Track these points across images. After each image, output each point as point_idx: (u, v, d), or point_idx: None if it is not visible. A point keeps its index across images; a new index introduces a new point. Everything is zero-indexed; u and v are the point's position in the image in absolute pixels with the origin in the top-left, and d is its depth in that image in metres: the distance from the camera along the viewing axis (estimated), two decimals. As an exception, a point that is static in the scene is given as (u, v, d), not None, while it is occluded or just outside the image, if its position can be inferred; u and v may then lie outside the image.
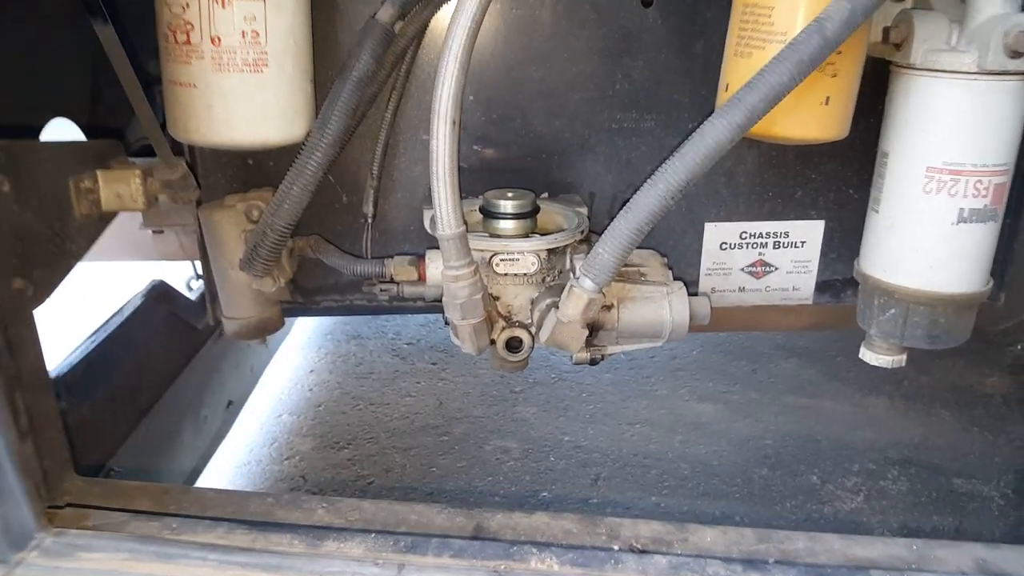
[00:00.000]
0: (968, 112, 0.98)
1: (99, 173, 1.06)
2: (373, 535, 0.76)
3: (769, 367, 2.32)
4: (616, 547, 0.79)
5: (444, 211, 0.86)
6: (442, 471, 1.87)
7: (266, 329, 1.16)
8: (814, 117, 0.98)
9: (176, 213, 1.51)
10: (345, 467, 1.89)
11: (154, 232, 1.73)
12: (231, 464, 1.91)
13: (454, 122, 0.83)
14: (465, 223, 0.89)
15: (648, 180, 0.89)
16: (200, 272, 1.36)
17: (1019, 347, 2.45)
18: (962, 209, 1.01)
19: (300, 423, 2.07)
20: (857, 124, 1.10)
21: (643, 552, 0.76)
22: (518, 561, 0.74)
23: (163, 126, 1.07)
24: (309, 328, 2.52)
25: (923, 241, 1.04)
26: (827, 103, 0.96)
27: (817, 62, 0.83)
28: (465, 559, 0.73)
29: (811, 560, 0.86)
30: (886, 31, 1.02)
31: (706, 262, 1.27)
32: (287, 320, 2.35)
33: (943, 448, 1.94)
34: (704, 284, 1.28)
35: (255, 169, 1.17)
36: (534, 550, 0.75)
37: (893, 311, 1.08)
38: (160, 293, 1.64)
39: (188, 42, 0.94)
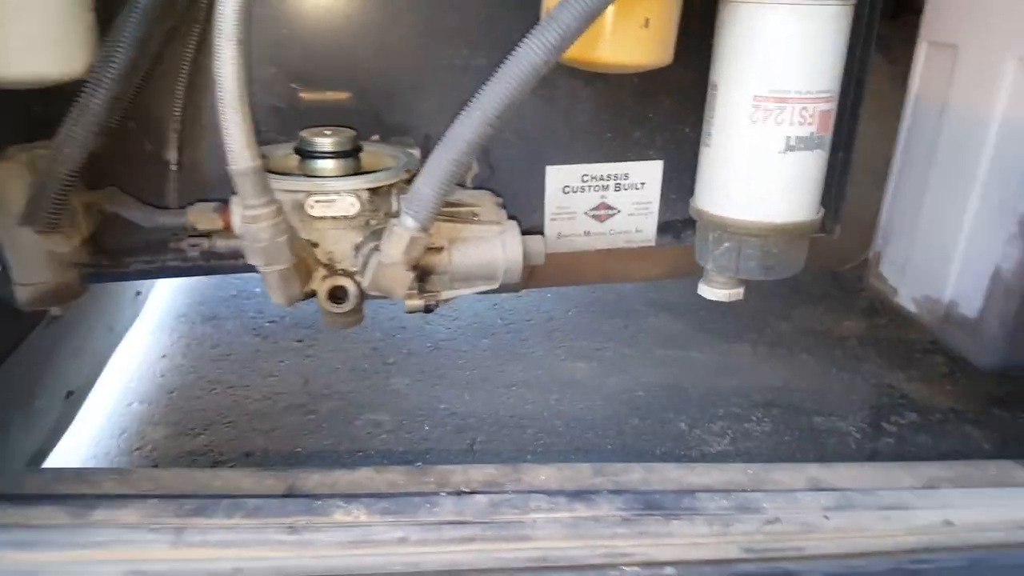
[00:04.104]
0: (792, 38, 0.98)
1: None
2: (154, 500, 0.68)
3: (640, 322, 2.34)
4: (438, 492, 0.75)
5: (235, 142, 0.78)
6: (307, 451, 1.78)
7: (64, 296, 1.04)
8: (635, 40, 0.95)
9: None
10: (202, 453, 1.78)
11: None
12: (75, 458, 1.75)
13: (240, 41, 0.75)
14: (264, 156, 0.81)
15: (464, 109, 0.84)
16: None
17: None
18: (789, 137, 1.02)
19: (151, 411, 1.92)
20: (693, 59, 1.09)
21: (463, 494, 0.72)
22: (320, 515, 0.68)
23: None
24: (161, 310, 2.36)
25: (752, 171, 1.04)
26: (647, 25, 0.93)
27: (632, -25, 0.80)
28: (258, 518, 0.67)
29: (643, 488, 0.84)
30: (709, -44, 1.00)
31: (550, 207, 1.23)
32: (136, 302, 2.23)
33: (804, 389, 2.01)
34: (550, 229, 1.24)
35: (44, 118, 1.04)
36: (340, 503, 0.70)
37: (727, 244, 1.08)
38: (-32, 274, 1.49)
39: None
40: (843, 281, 2.58)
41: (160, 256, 1.12)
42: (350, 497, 0.70)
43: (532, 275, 1.42)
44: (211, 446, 1.79)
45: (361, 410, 1.92)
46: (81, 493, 0.70)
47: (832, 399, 1.98)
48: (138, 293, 2.19)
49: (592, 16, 0.81)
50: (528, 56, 0.81)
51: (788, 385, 2.03)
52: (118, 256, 1.12)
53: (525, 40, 0.82)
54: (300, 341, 2.21)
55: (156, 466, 1.73)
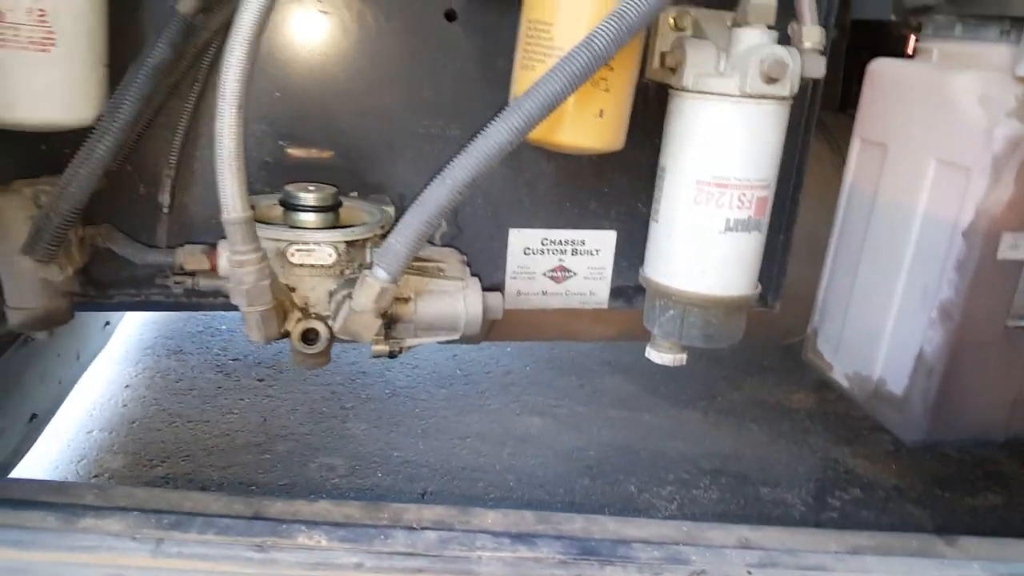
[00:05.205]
0: (732, 131, 1.09)
1: None
2: (135, 513, 0.75)
3: (595, 382, 2.40)
4: (392, 526, 0.81)
5: (228, 195, 0.87)
6: (262, 490, 1.81)
7: (53, 321, 1.10)
8: (590, 127, 1.06)
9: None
10: (158, 485, 1.79)
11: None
12: (32, 482, 1.77)
13: (240, 106, 0.84)
14: (252, 208, 0.90)
15: (437, 176, 0.94)
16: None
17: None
18: (728, 219, 1.12)
19: (111, 440, 1.94)
20: (646, 143, 1.20)
21: (414, 529, 0.79)
22: (285, 537, 0.75)
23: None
24: (127, 342, 2.39)
25: (695, 248, 1.14)
26: (601, 115, 1.04)
27: (588, 74, 0.91)
28: (230, 536, 0.73)
29: (583, 536, 0.92)
30: (663, 56, 1.12)
31: (511, 266, 1.33)
32: (104, 332, 2.26)
33: (751, 459, 2.07)
34: (511, 287, 1.34)
35: (49, 156, 1.12)
36: (303, 527, 0.76)
37: (672, 312, 1.17)
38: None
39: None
40: (795, 354, 2.66)
41: (144, 290, 1.20)
42: (312, 524, 0.77)
43: (495, 328, 1.51)
44: (168, 478, 1.81)
45: (316, 453, 1.96)
46: (69, 502, 0.76)
47: (779, 470, 2.03)
48: (107, 323, 2.22)
49: (552, 106, 0.92)
50: (496, 136, 0.92)
51: (736, 454, 2.09)
52: (104, 288, 1.19)
53: (494, 122, 0.92)
54: (261, 380, 2.25)
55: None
